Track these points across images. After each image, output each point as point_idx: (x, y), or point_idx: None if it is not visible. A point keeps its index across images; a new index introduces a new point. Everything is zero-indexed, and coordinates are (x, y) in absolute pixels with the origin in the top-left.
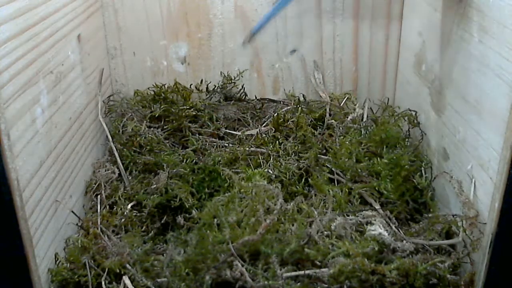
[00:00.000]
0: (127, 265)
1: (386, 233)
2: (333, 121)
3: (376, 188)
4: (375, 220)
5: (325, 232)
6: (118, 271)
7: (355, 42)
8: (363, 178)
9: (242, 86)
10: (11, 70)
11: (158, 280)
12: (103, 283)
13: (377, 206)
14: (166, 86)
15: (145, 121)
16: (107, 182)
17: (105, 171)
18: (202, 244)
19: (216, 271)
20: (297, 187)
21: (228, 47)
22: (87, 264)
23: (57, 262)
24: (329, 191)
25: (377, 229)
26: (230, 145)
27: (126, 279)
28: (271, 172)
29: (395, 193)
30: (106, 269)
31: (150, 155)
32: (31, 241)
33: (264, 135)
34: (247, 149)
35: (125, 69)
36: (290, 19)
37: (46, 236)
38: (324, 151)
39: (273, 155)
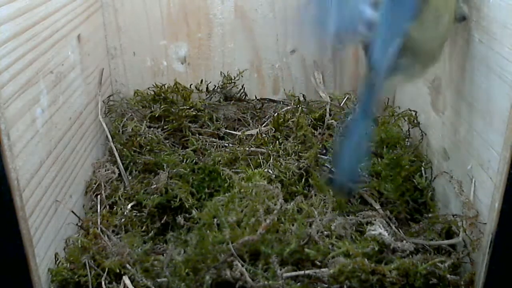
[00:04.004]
0: (127, 265)
1: (386, 233)
2: (333, 121)
3: (376, 188)
4: (375, 220)
5: (325, 232)
6: (118, 271)
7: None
8: (363, 178)
9: (242, 86)
10: (11, 70)
11: (158, 280)
12: (103, 283)
13: (377, 206)
14: (166, 86)
15: (145, 121)
16: (107, 182)
17: (105, 171)
18: (202, 244)
19: (216, 271)
20: (297, 187)
21: (228, 47)
22: (87, 264)
23: (57, 262)
24: (329, 191)
25: (377, 229)
26: (230, 145)
27: (126, 279)
28: (271, 172)
29: (395, 193)
30: (106, 269)
31: (150, 155)
32: (31, 241)
33: (264, 135)
34: (247, 149)
35: (125, 69)
36: (290, 19)
37: (46, 236)
38: (325, 151)
39: (273, 155)
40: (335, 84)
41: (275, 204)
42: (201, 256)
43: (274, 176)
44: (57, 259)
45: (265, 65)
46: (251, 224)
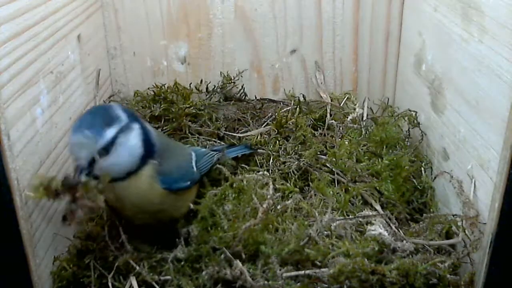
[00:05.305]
0: (131, 262)
1: (386, 233)
2: (333, 121)
3: (377, 188)
4: (375, 220)
5: (325, 232)
6: (122, 269)
7: (355, 42)
8: (363, 178)
9: (242, 86)
10: (11, 70)
11: (162, 278)
12: (109, 282)
13: (378, 206)
14: (166, 86)
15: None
16: None
17: None
18: (202, 237)
19: (217, 267)
20: (297, 186)
21: (228, 47)
22: (91, 264)
23: (58, 262)
24: (330, 192)
25: (377, 229)
26: None
27: (133, 280)
28: (271, 172)
29: (396, 193)
30: (111, 267)
31: None
32: (31, 241)
33: (265, 135)
34: None
35: (125, 69)
36: (290, 19)
37: (46, 236)
38: (325, 151)
39: (273, 155)
40: (335, 84)
41: (267, 191)
42: (200, 251)
43: (274, 176)
44: (58, 259)
45: (265, 65)
46: (248, 213)
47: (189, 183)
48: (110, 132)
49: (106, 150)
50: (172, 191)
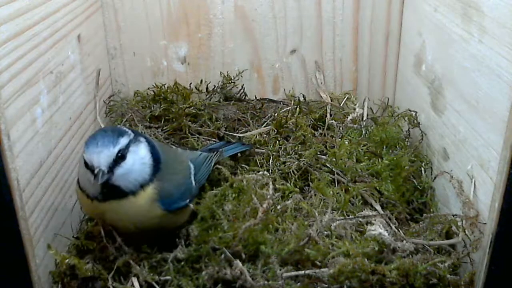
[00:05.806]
0: (131, 262)
1: (386, 233)
2: (333, 121)
3: (377, 188)
4: (375, 220)
5: (325, 232)
6: (122, 269)
7: (355, 42)
8: (363, 178)
9: (242, 86)
10: (11, 70)
11: (162, 278)
12: (109, 282)
13: (378, 206)
14: (166, 86)
15: (143, 123)
16: None
17: None
18: (202, 237)
19: (217, 267)
20: (297, 186)
21: (228, 47)
22: (90, 264)
23: (58, 262)
24: (330, 192)
25: (377, 229)
26: None
27: (135, 281)
28: (271, 172)
29: (396, 193)
30: (111, 268)
31: None
32: (31, 241)
33: (265, 135)
34: None
35: (125, 69)
36: (290, 19)
37: (46, 236)
38: (325, 151)
39: (273, 155)
40: (335, 84)
41: (267, 191)
42: (200, 251)
43: (274, 176)
44: (57, 259)
45: (265, 65)
46: (247, 213)
47: (188, 200)
48: (123, 140)
49: (122, 156)
50: (171, 211)
